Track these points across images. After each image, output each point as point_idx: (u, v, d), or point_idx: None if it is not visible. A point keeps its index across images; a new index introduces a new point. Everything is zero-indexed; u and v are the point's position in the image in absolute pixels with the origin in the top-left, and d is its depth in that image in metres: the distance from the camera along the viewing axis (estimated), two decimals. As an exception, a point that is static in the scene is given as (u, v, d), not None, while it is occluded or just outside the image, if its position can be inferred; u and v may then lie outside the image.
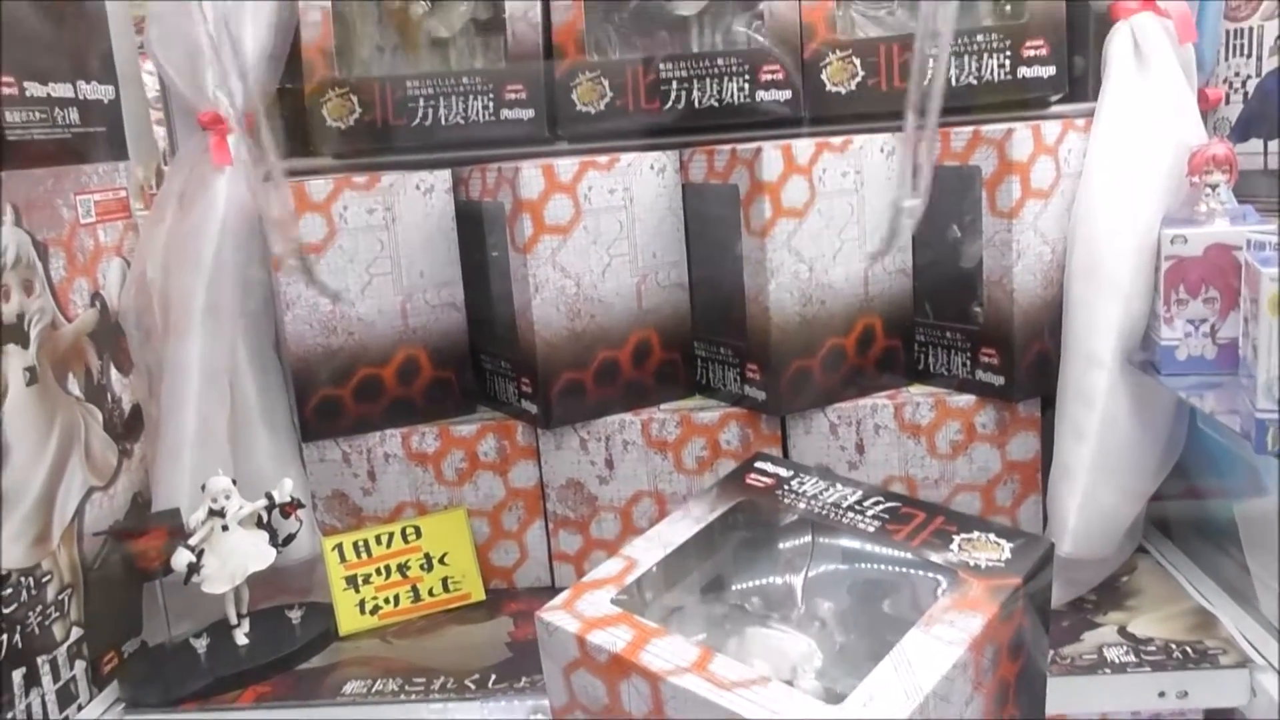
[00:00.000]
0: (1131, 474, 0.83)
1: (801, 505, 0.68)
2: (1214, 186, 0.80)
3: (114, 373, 0.90)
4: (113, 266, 0.90)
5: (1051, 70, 0.88)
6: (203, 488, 0.83)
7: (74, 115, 0.86)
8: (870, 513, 0.66)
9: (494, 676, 0.80)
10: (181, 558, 0.81)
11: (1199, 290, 0.79)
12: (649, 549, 0.65)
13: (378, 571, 0.91)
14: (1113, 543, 0.85)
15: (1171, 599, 0.85)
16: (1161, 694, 0.75)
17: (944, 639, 0.54)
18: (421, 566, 0.91)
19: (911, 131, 0.67)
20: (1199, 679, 0.74)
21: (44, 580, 0.79)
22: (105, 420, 0.88)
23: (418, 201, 0.91)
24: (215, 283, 0.88)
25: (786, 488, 0.70)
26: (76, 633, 0.82)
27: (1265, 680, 0.73)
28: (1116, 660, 0.76)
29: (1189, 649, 0.77)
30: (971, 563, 0.60)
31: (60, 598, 0.80)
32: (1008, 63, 0.88)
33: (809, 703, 0.51)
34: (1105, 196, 0.82)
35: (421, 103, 0.93)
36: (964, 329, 0.88)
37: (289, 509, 0.85)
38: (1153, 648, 0.77)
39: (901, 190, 0.68)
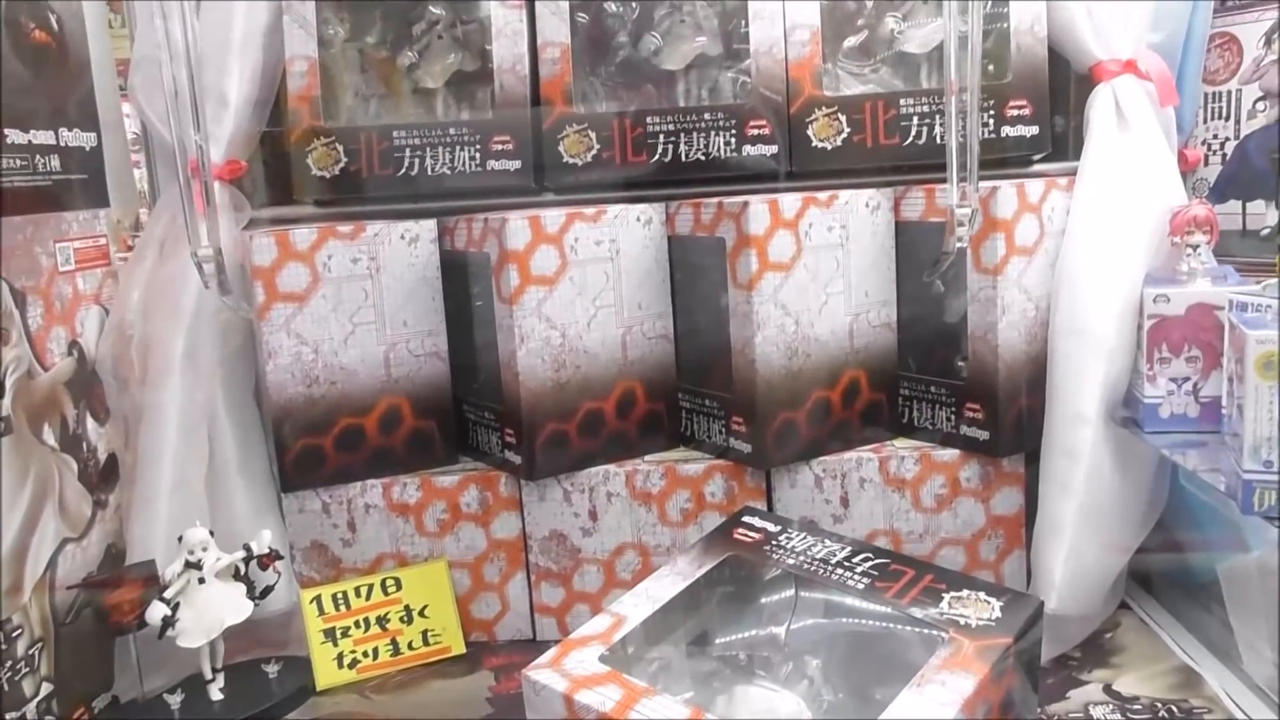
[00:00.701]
0: (1116, 529, 0.83)
1: (790, 561, 0.68)
2: (1195, 247, 0.81)
3: (90, 422, 0.88)
4: (91, 314, 0.89)
5: (1034, 130, 0.90)
6: (179, 539, 0.81)
7: (55, 162, 0.85)
8: (860, 569, 0.66)
9: (475, 734, 0.79)
10: (156, 611, 0.80)
11: (1181, 349, 0.80)
12: (637, 605, 0.64)
13: (356, 624, 0.89)
14: (1098, 598, 0.85)
15: (1155, 657, 0.84)
16: (1148, 753, 0.74)
17: (937, 700, 0.54)
18: (401, 619, 0.90)
19: (955, 181, 0.69)
20: (1185, 738, 0.74)
21: (14, 635, 0.77)
22: (80, 470, 0.86)
23: (402, 251, 0.91)
24: (194, 330, 0.87)
25: (774, 543, 0.70)
26: (46, 688, 0.80)
27: (1251, 739, 0.73)
28: (1103, 719, 0.75)
29: (1174, 708, 0.76)
30: (962, 621, 0.60)
31: (30, 652, 0.78)
32: (991, 121, 0.89)
33: (802, 768, 0.50)
34: (1088, 254, 0.83)
35: (408, 153, 0.93)
36: (948, 383, 0.89)
37: (267, 560, 0.84)
38: (1138, 706, 0.77)
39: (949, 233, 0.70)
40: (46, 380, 0.83)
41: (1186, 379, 0.79)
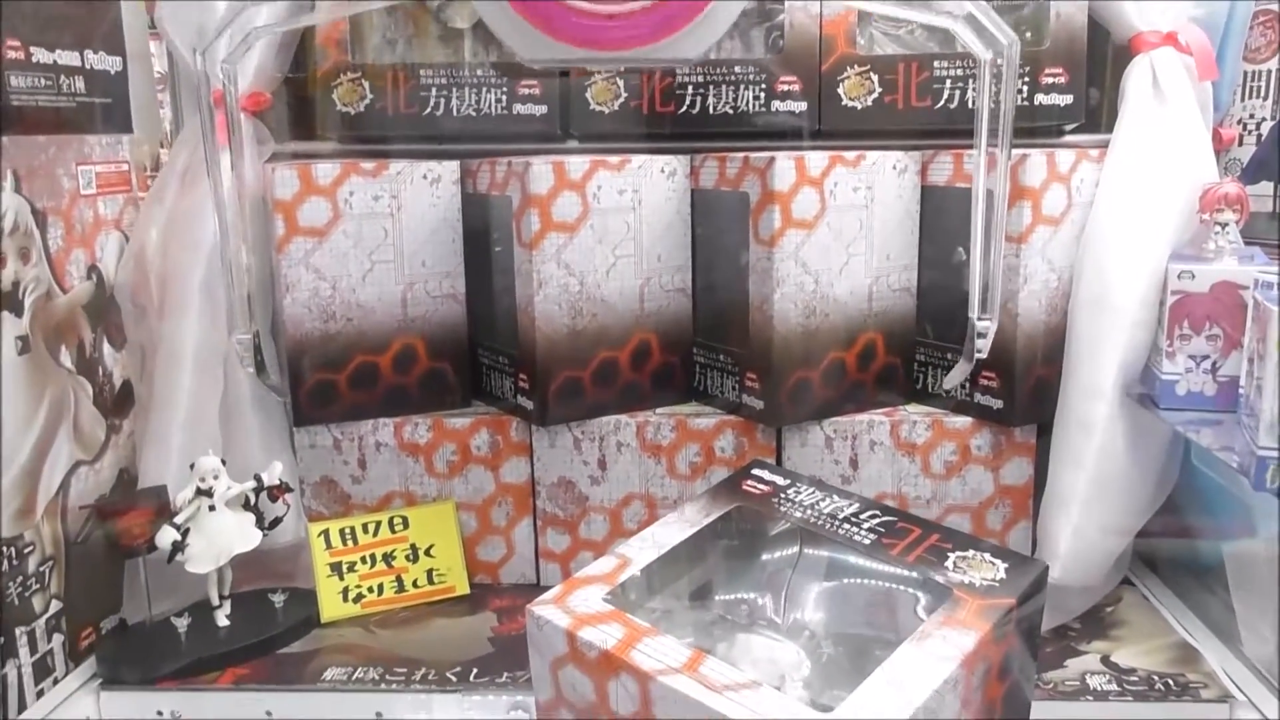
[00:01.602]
0: (1124, 505, 0.83)
1: (797, 514, 0.68)
2: (1224, 225, 0.80)
3: (106, 347, 0.89)
4: (111, 240, 0.89)
5: (1069, 99, 0.89)
6: (191, 466, 0.82)
7: (79, 84, 0.85)
8: (866, 525, 0.66)
9: (475, 670, 0.79)
10: (166, 536, 0.80)
11: (1203, 327, 0.79)
12: (642, 549, 0.65)
13: (363, 560, 0.90)
14: (1101, 571, 0.85)
15: (1155, 632, 0.85)
16: (1143, 725, 0.75)
17: (936, 654, 0.54)
18: (407, 557, 0.91)
19: (980, 253, 0.69)
20: (1179, 711, 0.74)
21: (26, 551, 0.78)
22: (95, 394, 0.87)
23: (424, 191, 0.91)
24: (213, 262, 0.87)
25: (783, 496, 0.70)
26: (56, 606, 0.81)
27: (1245, 716, 0.73)
28: (1099, 688, 0.76)
29: (1171, 681, 0.77)
30: (966, 581, 0.60)
31: (41, 570, 0.79)
32: (1025, 88, 0.88)
33: (800, 710, 0.51)
34: (1115, 228, 0.82)
35: (434, 92, 0.92)
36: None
37: (277, 492, 0.85)
38: (1135, 678, 0.77)
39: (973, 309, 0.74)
40: (65, 302, 0.83)
41: (1206, 357, 0.79)
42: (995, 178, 0.75)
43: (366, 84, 0.92)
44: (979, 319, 0.73)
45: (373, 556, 0.90)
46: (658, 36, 0.59)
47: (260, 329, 0.93)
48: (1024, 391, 0.85)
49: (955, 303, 0.89)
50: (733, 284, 0.88)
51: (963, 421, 0.88)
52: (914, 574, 0.63)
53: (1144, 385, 0.82)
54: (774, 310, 0.84)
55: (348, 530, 0.90)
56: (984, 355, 0.76)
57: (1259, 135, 0.90)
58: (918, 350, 0.92)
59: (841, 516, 0.67)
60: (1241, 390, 0.75)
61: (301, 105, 0.97)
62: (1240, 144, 0.92)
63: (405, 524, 0.91)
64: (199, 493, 0.82)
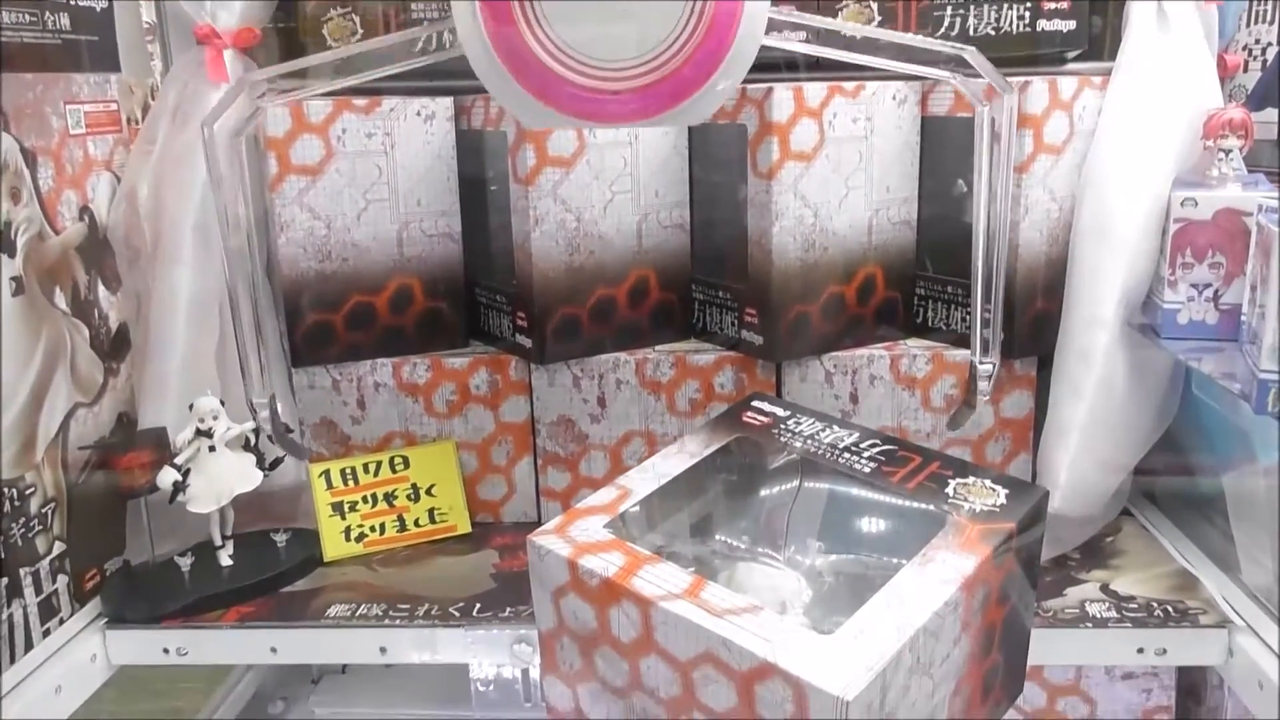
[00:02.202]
0: (1124, 435, 0.83)
1: (798, 444, 0.68)
2: (1227, 151, 0.79)
3: (101, 290, 0.88)
4: (102, 181, 0.88)
5: (1072, 25, 0.87)
6: (190, 407, 0.82)
7: (65, 21, 0.84)
8: (867, 454, 0.66)
9: (478, 606, 0.80)
10: (167, 476, 0.80)
11: (1205, 255, 0.78)
12: (643, 480, 0.65)
13: (364, 499, 0.90)
14: (1101, 502, 0.85)
15: (1155, 561, 0.85)
16: (1140, 650, 0.75)
17: (937, 578, 0.54)
18: (408, 496, 0.91)
19: (980, 306, 0.69)
20: (1178, 637, 0.75)
21: (27, 493, 0.78)
22: (91, 337, 0.86)
23: (418, 128, 0.89)
24: (207, 203, 0.86)
25: (783, 427, 0.70)
26: (59, 547, 0.81)
27: (1244, 641, 0.74)
28: (1098, 615, 0.76)
29: (1170, 608, 0.77)
30: (966, 506, 0.60)
31: (43, 511, 0.79)
32: (1027, 14, 0.86)
33: (802, 632, 0.51)
34: (1117, 155, 0.81)
35: (426, 26, 0.90)
36: (965, 284, 0.88)
37: (277, 433, 0.84)
38: (1134, 605, 0.78)
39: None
40: (58, 243, 0.82)
41: (1208, 285, 0.78)
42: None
43: (357, 19, 0.91)
44: (981, 362, 0.72)
45: (374, 496, 0.90)
46: (661, 110, 0.58)
47: (257, 268, 0.93)
48: (1024, 324, 0.85)
49: (956, 236, 0.89)
50: (731, 219, 0.87)
51: (963, 355, 0.88)
52: (915, 501, 0.63)
53: (1145, 315, 0.82)
54: (773, 244, 0.84)
55: (348, 470, 0.90)
56: (987, 398, 0.75)
57: (1264, 61, 0.88)
58: (918, 284, 0.92)
59: (842, 446, 0.67)
60: (1243, 318, 0.74)
61: (291, 42, 0.95)
62: (1245, 70, 0.90)
63: (406, 464, 0.91)
64: (198, 434, 0.81)
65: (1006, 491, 0.62)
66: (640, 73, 0.57)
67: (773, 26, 0.60)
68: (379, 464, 0.91)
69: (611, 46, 0.57)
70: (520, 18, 0.56)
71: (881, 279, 0.90)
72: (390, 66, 0.70)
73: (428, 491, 0.91)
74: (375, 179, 0.88)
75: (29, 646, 0.76)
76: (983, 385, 0.74)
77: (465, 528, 0.92)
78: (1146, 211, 0.79)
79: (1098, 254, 0.81)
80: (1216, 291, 0.78)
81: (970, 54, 0.64)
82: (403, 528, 0.90)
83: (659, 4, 0.56)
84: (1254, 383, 0.65)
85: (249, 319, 0.75)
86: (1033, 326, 0.85)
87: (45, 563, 0.79)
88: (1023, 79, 0.81)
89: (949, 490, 0.62)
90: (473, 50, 0.59)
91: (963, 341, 0.88)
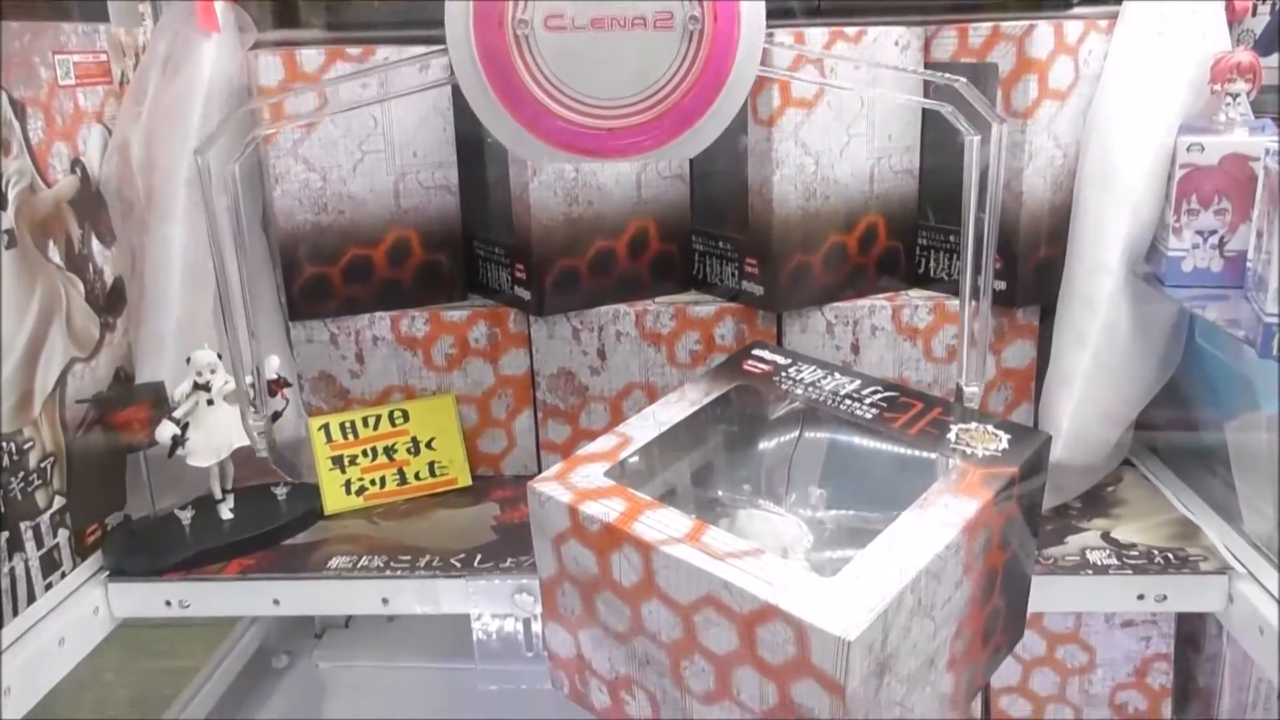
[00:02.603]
0: (1127, 383, 0.83)
1: (798, 391, 0.67)
2: (1235, 96, 0.78)
3: (95, 243, 0.87)
4: (93, 133, 0.87)
5: (1076, -35, 0.86)
6: (187, 361, 0.81)
7: (51, -33, 0.82)
8: (868, 401, 0.66)
9: (480, 557, 0.80)
10: (166, 430, 0.80)
11: (1211, 201, 0.77)
12: (643, 427, 0.64)
13: (364, 453, 0.90)
14: (1103, 451, 0.85)
15: (1156, 510, 0.85)
16: (1140, 596, 0.75)
17: (938, 521, 0.54)
18: (408, 450, 0.91)
19: (969, 309, 0.68)
20: (1179, 583, 0.75)
21: (26, 447, 0.78)
22: (87, 292, 0.85)
23: (414, 78, 0.88)
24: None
25: (783, 374, 0.69)
26: (59, 502, 0.81)
27: (1244, 588, 0.74)
28: (1099, 563, 0.76)
29: (1170, 555, 0.77)
30: (968, 451, 0.60)
31: (42, 465, 0.79)
32: (1032, -45, 0.85)
33: (803, 574, 0.51)
34: (1123, 100, 0.80)
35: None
36: (967, 232, 0.87)
37: (275, 387, 0.84)
38: (1135, 552, 0.78)
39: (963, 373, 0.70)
40: (50, 196, 0.81)
41: (1213, 232, 0.77)
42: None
43: (350, -34, 0.89)
44: (967, 385, 0.71)
45: (374, 450, 0.90)
46: (660, 144, 0.59)
47: (250, 224, 0.92)
48: (1027, 272, 0.84)
49: (958, 185, 0.87)
50: (731, 168, 0.86)
51: (965, 305, 0.87)
52: (917, 447, 0.62)
53: (1149, 264, 0.81)
54: (773, 193, 0.83)
55: (348, 424, 0.90)
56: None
57: (1273, 4, 0.87)
58: (920, 234, 0.91)
59: (843, 393, 0.67)
60: (1249, 264, 0.74)
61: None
62: (1254, 14, 0.88)
63: (405, 417, 0.91)
64: (196, 387, 0.81)
65: (1009, 437, 0.61)
66: (639, 109, 0.57)
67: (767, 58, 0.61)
68: (378, 418, 0.91)
69: (609, 85, 0.57)
70: (517, 57, 0.56)
71: (884, 228, 0.89)
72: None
73: (428, 445, 0.91)
74: (371, 130, 0.87)
75: (31, 599, 0.76)
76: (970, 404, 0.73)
77: (466, 481, 0.92)
78: (1152, 157, 0.78)
79: (1102, 201, 0.80)
80: (1222, 238, 0.77)
81: (962, 85, 0.64)
82: (403, 481, 0.90)
83: (656, 41, 0.56)
84: (1259, 327, 0.65)
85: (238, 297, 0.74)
86: (1036, 274, 0.84)
87: (45, 517, 0.79)
88: (1027, 23, 0.80)
89: (951, 436, 0.62)
90: (469, 88, 0.59)
91: (965, 291, 0.88)
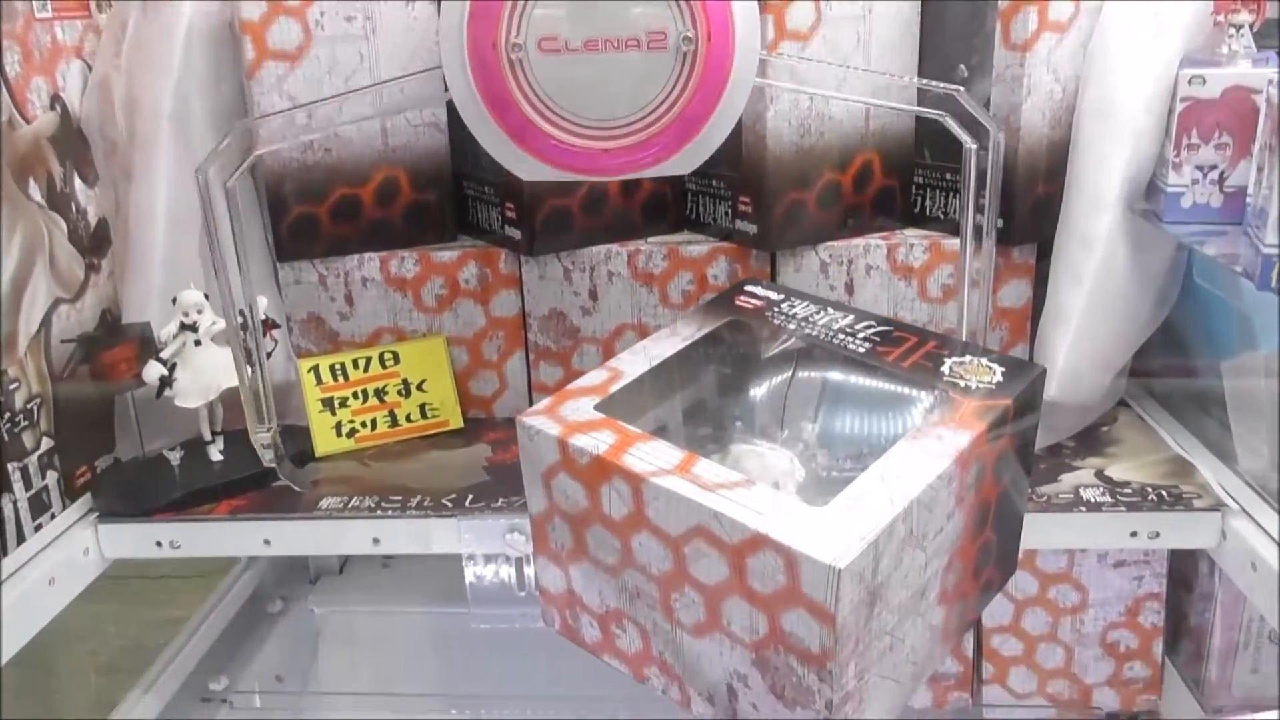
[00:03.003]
0: (1124, 322, 0.82)
1: (790, 326, 0.67)
2: (1238, 27, 0.76)
3: (78, 182, 0.86)
4: (73, 69, 0.85)
5: (1077, -107, 0.83)
6: (174, 301, 0.80)
7: (25, -104, 0.80)
8: (861, 335, 0.65)
9: (471, 496, 0.79)
10: (153, 370, 0.79)
11: (1211, 135, 0.76)
12: (634, 361, 0.64)
13: (355, 395, 0.89)
14: (1098, 390, 0.84)
15: (1150, 449, 0.85)
16: (1134, 534, 0.75)
17: (931, 452, 0.54)
18: (399, 392, 0.90)
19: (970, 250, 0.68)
20: (1172, 520, 0.75)
21: (11, 387, 0.77)
22: (70, 231, 0.84)
23: (400, 11, 0.86)
24: (182, 88, 0.84)
25: (776, 309, 0.68)
26: (47, 443, 0.80)
27: (1238, 525, 0.74)
28: (1092, 500, 0.76)
29: (1164, 492, 0.77)
30: (962, 384, 0.59)
31: (29, 406, 0.78)
32: (1032, -119, 0.83)
33: (793, 504, 0.50)
34: (1124, 33, 0.78)
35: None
36: (964, 170, 0.86)
37: (264, 328, 0.83)
38: (1129, 490, 0.77)
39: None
40: (29, 132, 0.80)
41: (1213, 167, 0.76)
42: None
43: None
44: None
45: (364, 392, 0.90)
46: (653, 163, 0.59)
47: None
48: (1024, 210, 0.83)
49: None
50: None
51: (961, 244, 0.86)
52: (910, 380, 0.62)
53: (1148, 201, 0.80)
54: (767, 129, 0.81)
55: (338, 366, 0.89)
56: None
57: (1279, -66, 0.85)
58: (916, 172, 0.89)
59: (836, 328, 0.66)
60: (1249, 199, 0.73)
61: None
62: (1259, -55, 0.87)
63: (396, 359, 0.90)
64: (183, 328, 0.80)
65: (1003, 370, 0.61)
66: (634, 130, 0.58)
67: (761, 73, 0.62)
68: (368, 360, 0.90)
69: (604, 106, 0.57)
70: (510, 79, 0.56)
71: (879, 166, 0.87)
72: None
73: (418, 387, 0.91)
74: (357, 65, 0.85)
75: (20, 540, 0.76)
76: None
77: (457, 423, 0.91)
78: (1152, 91, 0.77)
79: (1101, 136, 0.79)
80: (1222, 173, 0.76)
81: (960, 95, 0.64)
82: (394, 423, 0.90)
83: (650, 62, 0.56)
84: (1258, 260, 0.64)
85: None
86: (1033, 212, 0.83)
87: (34, 458, 0.79)
88: (1028, -48, 0.78)
89: (945, 369, 0.61)
90: (463, 106, 0.59)
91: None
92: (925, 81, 0.68)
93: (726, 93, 0.58)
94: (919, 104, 0.71)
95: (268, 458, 0.76)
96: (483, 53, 0.56)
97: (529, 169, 0.59)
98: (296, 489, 0.82)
